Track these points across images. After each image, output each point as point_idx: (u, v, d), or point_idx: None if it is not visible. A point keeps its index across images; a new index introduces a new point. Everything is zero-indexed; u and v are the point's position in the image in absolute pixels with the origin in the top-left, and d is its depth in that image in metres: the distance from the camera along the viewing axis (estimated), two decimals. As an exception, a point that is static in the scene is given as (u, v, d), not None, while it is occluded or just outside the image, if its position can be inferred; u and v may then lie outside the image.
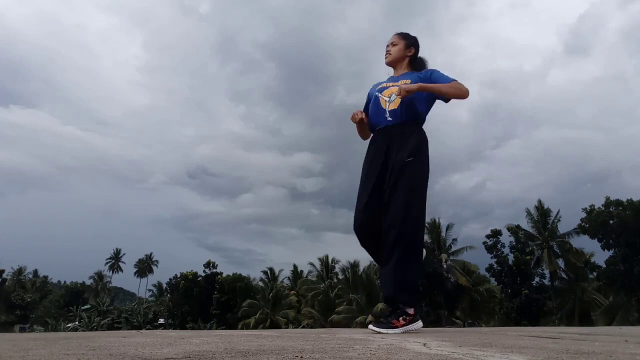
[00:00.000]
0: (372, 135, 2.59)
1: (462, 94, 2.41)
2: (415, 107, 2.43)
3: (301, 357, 1.16)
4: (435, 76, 2.47)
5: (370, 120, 2.56)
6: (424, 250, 2.39)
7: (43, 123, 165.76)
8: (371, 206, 2.39)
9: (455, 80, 2.42)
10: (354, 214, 2.46)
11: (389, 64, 2.66)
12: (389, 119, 2.44)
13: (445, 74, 2.48)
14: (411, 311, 2.22)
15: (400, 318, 2.19)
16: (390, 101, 2.45)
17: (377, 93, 2.55)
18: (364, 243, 2.46)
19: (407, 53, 2.63)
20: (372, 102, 2.56)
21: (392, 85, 2.51)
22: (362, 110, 2.64)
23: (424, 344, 1.50)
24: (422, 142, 2.42)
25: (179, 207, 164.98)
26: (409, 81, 2.46)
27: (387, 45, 2.66)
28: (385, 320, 2.22)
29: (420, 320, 2.26)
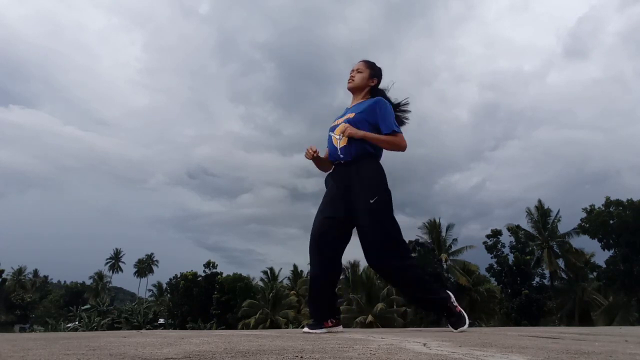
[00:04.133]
0: (330, 172, 2.64)
1: (400, 149, 2.48)
2: (363, 141, 2.48)
3: (301, 357, 1.16)
4: (380, 115, 2.48)
5: (329, 156, 2.63)
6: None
7: (43, 123, 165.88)
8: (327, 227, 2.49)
9: (395, 130, 2.44)
10: (313, 230, 2.51)
11: (349, 89, 2.70)
12: (341, 156, 2.52)
13: (389, 114, 2.48)
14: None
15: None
16: (340, 139, 2.52)
17: (330, 132, 2.62)
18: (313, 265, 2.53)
19: (370, 83, 2.65)
20: (328, 140, 2.65)
21: (341, 122, 2.56)
22: (314, 146, 2.64)
23: (424, 344, 1.50)
24: (379, 177, 2.46)
25: (179, 207, 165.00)
26: (352, 115, 2.53)
27: (352, 70, 2.68)
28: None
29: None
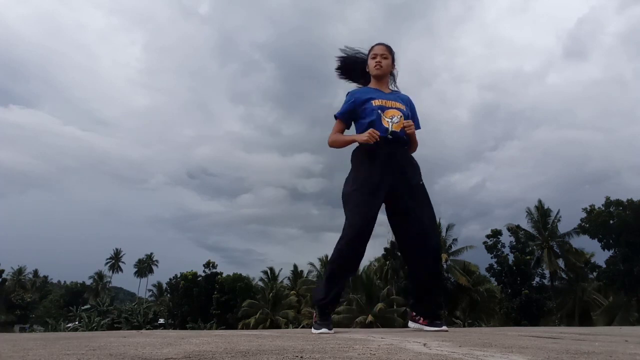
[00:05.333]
0: (370, 147, 2.49)
1: (416, 148, 2.72)
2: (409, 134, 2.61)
3: (301, 357, 1.16)
4: (413, 114, 2.73)
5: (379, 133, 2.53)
6: None
7: (43, 123, 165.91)
8: (373, 212, 2.42)
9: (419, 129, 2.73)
10: (358, 218, 2.36)
11: (377, 76, 2.67)
12: (390, 137, 2.51)
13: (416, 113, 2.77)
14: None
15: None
16: (393, 122, 2.52)
17: (378, 110, 2.53)
18: (360, 245, 2.40)
19: (392, 69, 2.74)
20: (371, 116, 2.53)
21: (392, 107, 2.56)
22: (347, 113, 2.64)
23: (424, 344, 1.50)
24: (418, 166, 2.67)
25: (179, 207, 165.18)
26: (404, 107, 2.61)
27: (377, 56, 2.65)
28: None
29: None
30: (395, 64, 2.75)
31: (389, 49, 2.71)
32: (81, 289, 55.93)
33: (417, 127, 2.68)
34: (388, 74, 2.71)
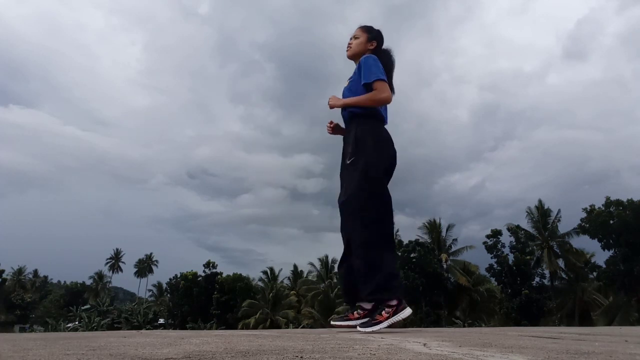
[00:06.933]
0: None
1: (382, 103, 2.41)
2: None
3: (301, 357, 1.16)
4: (362, 70, 2.43)
5: None
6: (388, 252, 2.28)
7: (43, 123, 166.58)
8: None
9: (367, 82, 2.38)
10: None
11: (349, 57, 2.67)
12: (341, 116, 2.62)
13: (370, 66, 2.41)
14: (393, 302, 2.15)
15: (383, 312, 2.11)
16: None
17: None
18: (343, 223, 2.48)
19: (369, 47, 2.60)
20: None
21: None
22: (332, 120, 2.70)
23: (424, 344, 1.50)
24: (360, 138, 2.39)
25: (179, 207, 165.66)
26: (347, 83, 2.60)
27: (350, 39, 2.66)
28: (370, 318, 2.16)
29: (407, 308, 2.18)
30: (376, 41, 2.60)
31: (364, 29, 2.63)
32: (81, 289, 55.91)
33: (366, 78, 2.38)
34: (360, 53, 2.59)
